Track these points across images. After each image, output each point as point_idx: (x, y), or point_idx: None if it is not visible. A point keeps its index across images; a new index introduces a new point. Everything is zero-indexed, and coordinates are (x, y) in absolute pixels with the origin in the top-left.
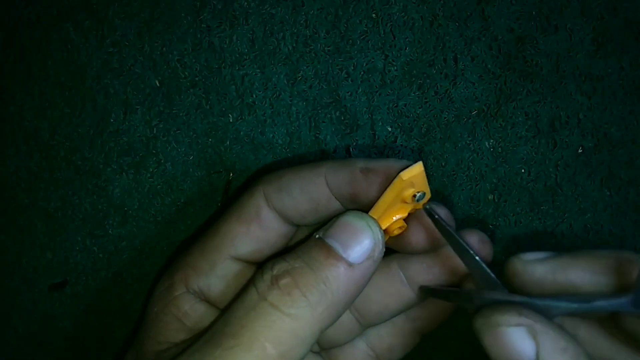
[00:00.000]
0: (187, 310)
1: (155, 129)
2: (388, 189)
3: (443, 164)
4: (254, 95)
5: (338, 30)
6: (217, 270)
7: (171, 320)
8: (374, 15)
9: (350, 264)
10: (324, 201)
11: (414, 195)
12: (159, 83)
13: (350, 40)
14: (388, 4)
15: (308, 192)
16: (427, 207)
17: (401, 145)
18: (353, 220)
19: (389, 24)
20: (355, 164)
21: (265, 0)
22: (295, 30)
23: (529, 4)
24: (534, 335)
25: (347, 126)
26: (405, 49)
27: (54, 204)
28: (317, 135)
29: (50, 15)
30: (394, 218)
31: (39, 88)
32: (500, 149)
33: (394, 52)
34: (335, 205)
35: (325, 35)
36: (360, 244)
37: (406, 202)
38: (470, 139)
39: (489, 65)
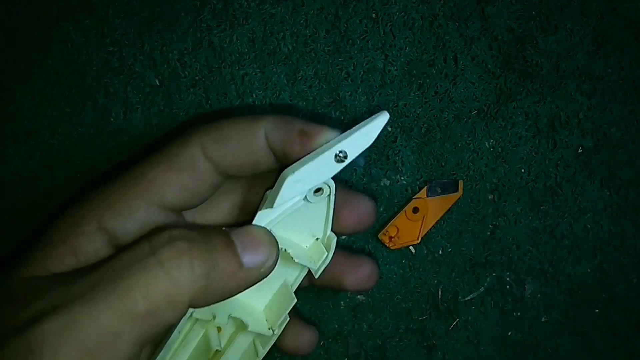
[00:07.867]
0: (88, 250)
1: (155, 128)
2: None
3: (443, 164)
4: (254, 95)
5: (338, 30)
6: (137, 215)
7: (67, 254)
8: (374, 15)
9: (240, 264)
10: (262, 154)
11: None
12: (159, 82)
13: (350, 40)
14: (388, 4)
15: (247, 144)
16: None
17: (401, 145)
18: (260, 234)
19: (389, 24)
20: (294, 125)
21: (265, 0)
22: (295, 30)
23: (529, 4)
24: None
25: (347, 126)
26: (405, 49)
27: (54, 204)
28: None
29: (51, 15)
30: None
31: (39, 88)
32: (500, 149)
33: (394, 52)
34: (271, 159)
35: (325, 35)
36: (256, 253)
37: None
38: (470, 139)
39: (489, 65)
